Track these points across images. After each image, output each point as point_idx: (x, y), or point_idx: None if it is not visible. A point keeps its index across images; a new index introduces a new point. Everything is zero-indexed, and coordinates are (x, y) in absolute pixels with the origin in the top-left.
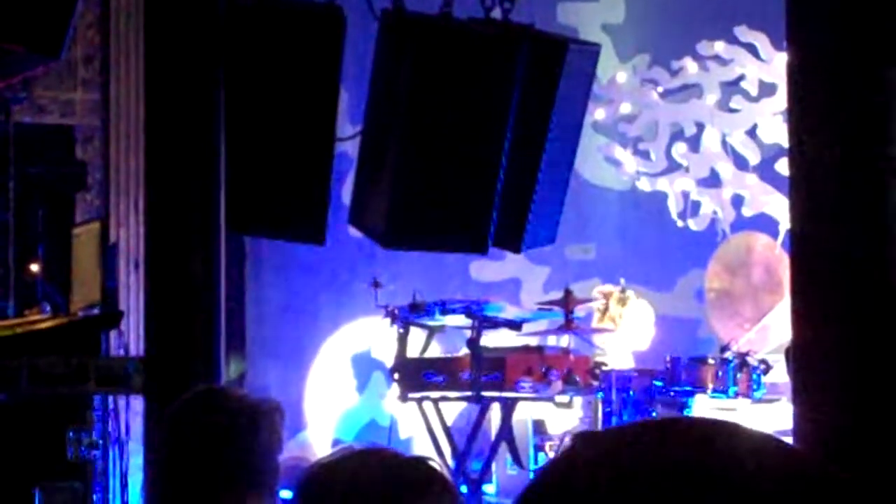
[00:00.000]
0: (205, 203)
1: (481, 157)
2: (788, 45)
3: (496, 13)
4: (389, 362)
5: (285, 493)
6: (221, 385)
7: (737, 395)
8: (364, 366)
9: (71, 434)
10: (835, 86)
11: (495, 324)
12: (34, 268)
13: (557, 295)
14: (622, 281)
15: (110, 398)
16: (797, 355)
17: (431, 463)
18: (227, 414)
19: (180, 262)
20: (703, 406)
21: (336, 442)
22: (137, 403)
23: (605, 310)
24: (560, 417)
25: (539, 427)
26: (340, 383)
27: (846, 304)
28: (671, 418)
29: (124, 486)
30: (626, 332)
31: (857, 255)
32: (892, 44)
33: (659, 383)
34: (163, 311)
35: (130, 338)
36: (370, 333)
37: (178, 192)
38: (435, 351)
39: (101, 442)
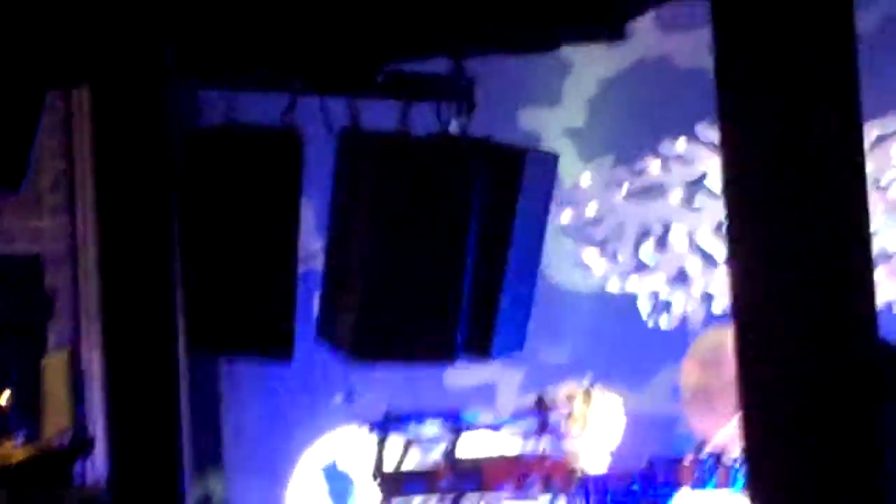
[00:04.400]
0: (163, 327)
1: (445, 269)
2: (721, 143)
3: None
4: (368, 473)
5: None
6: None
7: (717, 486)
8: (342, 477)
9: None
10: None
11: (471, 430)
12: (4, 399)
13: (532, 398)
14: (586, 379)
15: None
16: (748, 462)
17: None
18: None
19: (140, 388)
20: (687, 498)
21: None
22: None
23: (570, 413)
24: None
25: None
26: (318, 496)
27: (798, 394)
28: None
29: None
30: (595, 433)
31: (804, 347)
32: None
33: (636, 487)
34: (124, 437)
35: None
36: (347, 444)
37: (135, 318)
38: (414, 457)
39: None
